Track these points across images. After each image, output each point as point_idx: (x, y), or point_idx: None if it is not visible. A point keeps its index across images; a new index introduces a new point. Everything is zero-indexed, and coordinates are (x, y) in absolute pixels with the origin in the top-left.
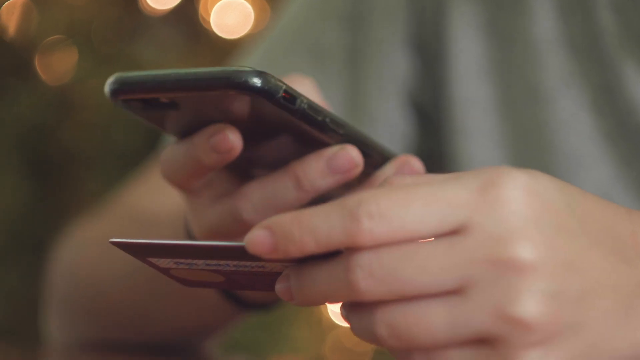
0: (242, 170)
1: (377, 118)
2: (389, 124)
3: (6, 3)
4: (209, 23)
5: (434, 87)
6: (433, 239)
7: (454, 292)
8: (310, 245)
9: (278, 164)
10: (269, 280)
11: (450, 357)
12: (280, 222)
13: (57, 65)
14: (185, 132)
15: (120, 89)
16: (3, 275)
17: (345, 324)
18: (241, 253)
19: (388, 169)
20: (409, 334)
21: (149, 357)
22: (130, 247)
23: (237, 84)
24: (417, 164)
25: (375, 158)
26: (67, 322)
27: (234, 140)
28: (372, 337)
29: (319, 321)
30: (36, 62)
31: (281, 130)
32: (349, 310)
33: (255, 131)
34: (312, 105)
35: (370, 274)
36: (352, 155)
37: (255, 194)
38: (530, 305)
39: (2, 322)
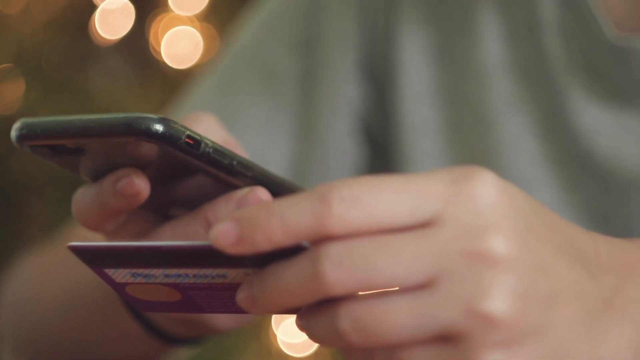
0: (158, 209)
1: (328, 143)
2: (340, 148)
3: None
4: (159, 53)
5: (384, 112)
6: (404, 230)
7: (423, 286)
8: (278, 232)
9: (193, 203)
10: (227, 295)
11: (412, 357)
12: (246, 211)
13: (7, 93)
14: (97, 175)
15: (26, 135)
16: None
17: (296, 354)
18: (204, 254)
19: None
20: (374, 329)
21: None
22: (88, 252)
23: (138, 131)
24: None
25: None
26: (16, 354)
27: (140, 184)
28: (333, 336)
29: (268, 351)
30: None
31: (190, 172)
32: (308, 314)
33: (165, 173)
34: (217, 149)
35: (339, 264)
36: (260, 197)
37: (166, 239)
38: (498, 300)
39: None
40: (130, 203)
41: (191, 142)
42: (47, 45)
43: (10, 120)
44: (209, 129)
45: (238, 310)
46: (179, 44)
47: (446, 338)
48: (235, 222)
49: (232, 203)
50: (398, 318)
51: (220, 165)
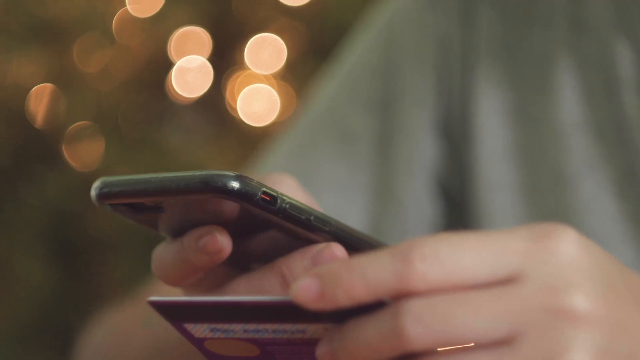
0: (234, 261)
1: (405, 202)
2: (417, 207)
3: (34, 89)
4: (235, 110)
5: (460, 171)
6: (485, 287)
7: (504, 342)
8: (359, 289)
9: (269, 256)
10: (306, 351)
11: None
12: (328, 267)
13: (85, 151)
14: (176, 232)
15: (106, 193)
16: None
17: None
18: (284, 310)
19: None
20: None
21: None
22: (168, 307)
23: (215, 189)
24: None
25: (365, 252)
26: None
27: (223, 241)
28: None
29: None
30: (64, 149)
31: (268, 227)
32: None
33: (244, 229)
34: (294, 205)
35: (419, 320)
36: (336, 253)
37: (242, 291)
38: (579, 357)
39: None
40: (213, 260)
41: (267, 198)
42: (124, 103)
43: (91, 178)
44: (288, 190)
45: None
46: (256, 102)
47: None
48: (317, 278)
49: (307, 258)
50: None
51: (297, 220)
